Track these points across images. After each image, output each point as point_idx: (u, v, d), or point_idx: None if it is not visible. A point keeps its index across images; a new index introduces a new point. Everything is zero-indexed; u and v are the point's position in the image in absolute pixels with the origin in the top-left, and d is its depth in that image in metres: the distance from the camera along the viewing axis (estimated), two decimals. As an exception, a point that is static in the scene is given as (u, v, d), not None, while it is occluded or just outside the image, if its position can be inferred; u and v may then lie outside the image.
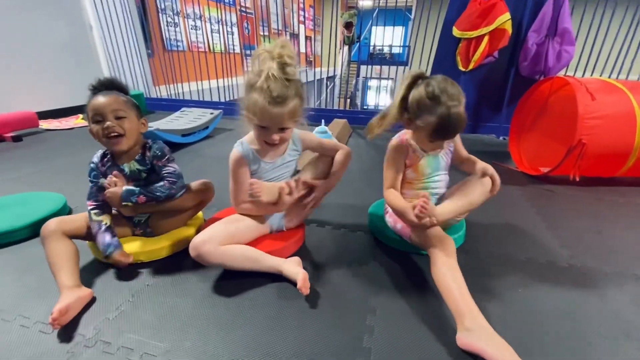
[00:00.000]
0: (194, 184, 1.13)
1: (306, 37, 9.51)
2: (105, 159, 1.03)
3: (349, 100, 4.48)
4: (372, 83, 10.42)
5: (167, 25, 4.95)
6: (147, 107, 3.73)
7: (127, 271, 0.99)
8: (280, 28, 6.97)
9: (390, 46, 10.08)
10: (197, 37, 5.54)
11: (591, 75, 2.73)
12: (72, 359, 0.70)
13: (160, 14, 4.81)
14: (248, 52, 6.63)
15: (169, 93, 4.13)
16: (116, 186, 0.97)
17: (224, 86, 3.93)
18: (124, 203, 0.96)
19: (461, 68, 2.46)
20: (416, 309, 0.85)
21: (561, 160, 1.62)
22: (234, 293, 0.90)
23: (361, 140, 2.69)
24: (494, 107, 2.62)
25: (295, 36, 7.57)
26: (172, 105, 3.70)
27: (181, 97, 4.04)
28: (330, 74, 7.08)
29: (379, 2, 3.64)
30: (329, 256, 1.08)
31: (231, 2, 6.17)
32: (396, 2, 3.38)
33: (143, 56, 4.00)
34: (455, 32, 2.41)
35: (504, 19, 2.21)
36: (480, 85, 2.54)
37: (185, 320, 0.81)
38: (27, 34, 3.05)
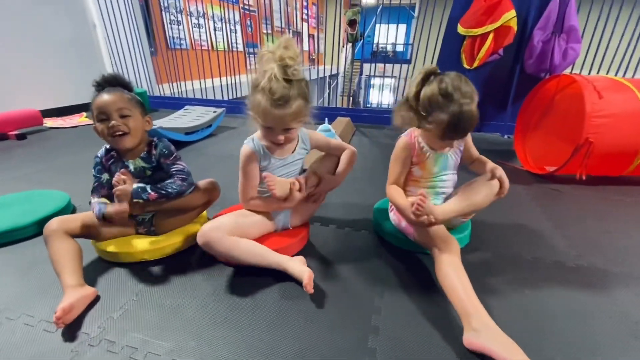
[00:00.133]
0: (202, 183, 1.12)
1: (309, 35, 9.48)
2: (110, 154, 1.03)
3: (351, 98, 4.46)
4: (375, 81, 10.38)
5: (170, 24, 4.95)
6: (151, 105, 3.73)
7: (131, 270, 0.99)
8: (283, 26, 6.95)
9: (394, 44, 10.04)
10: (200, 35, 5.54)
11: (597, 73, 2.69)
12: (76, 357, 0.70)
13: (163, 12, 4.81)
14: (251, 50, 6.62)
15: (172, 91, 4.14)
16: (125, 184, 0.96)
17: (226, 84, 3.93)
18: (135, 200, 0.96)
19: (466, 66, 2.44)
20: (422, 308, 0.84)
21: (567, 159, 1.60)
22: (237, 292, 0.90)
23: (364, 138, 2.68)
24: (499, 106, 2.60)
25: (298, 34, 7.54)
26: (175, 103, 3.70)
27: (184, 95, 4.04)
28: (333, 72, 7.05)
29: (383, 0, 3.62)
30: (333, 255, 1.07)
31: (234, 0, 6.16)
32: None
33: (146, 54, 4.00)
34: (460, 29, 2.39)
35: (510, 16, 2.18)
36: (485, 83, 2.52)
37: (189, 320, 0.80)
38: (30, 32, 3.05)
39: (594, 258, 1.09)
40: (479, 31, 2.29)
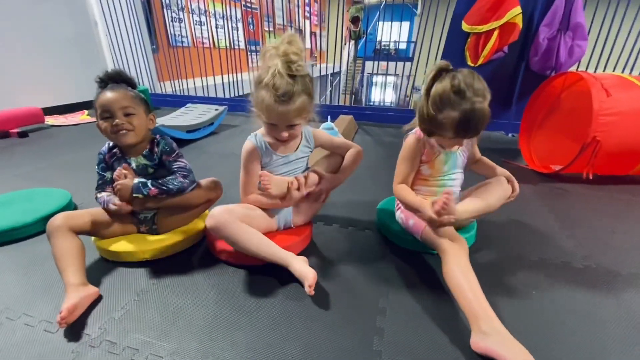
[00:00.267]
0: (204, 181, 1.12)
1: (311, 33, 9.44)
2: (113, 152, 1.03)
3: (353, 96, 4.44)
4: (377, 79, 10.34)
5: (172, 21, 4.93)
6: (152, 103, 3.73)
7: (133, 269, 0.98)
8: (285, 24, 6.92)
9: (396, 42, 9.98)
10: (201, 33, 5.52)
11: (604, 70, 2.66)
12: (77, 359, 0.69)
13: (165, 10, 4.79)
14: (253, 47, 6.60)
15: (173, 89, 4.12)
16: (126, 178, 0.95)
17: (228, 82, 3.91)
18: (135, 195, 0.95)
19: (470, 63, 2.42)
20: (428, 310, 0.83)
21: (574, 158, 1.58)
22: (239, 292, 0.89)
23: (367, 137, 2.66)
24: (503, 104, 2.57)
25: (299, 32, 7.51)
26: (177, 101, 3.69)
27: (186, 93, 4.03)
28: (335, 69, 7.02)
29: (386, -3, 3.59)
30: (336, 255, 1.06)
31: (236, -2, 6.13)
32: (403, -4, 3.32)
33: (148, 52, 3.99)
34: (464, 26, 2.36)
35: (515, 13, 2.16)
36: (489, 81, 2.42)
37: (191, 321, 0.79)
38: (32, 30, 3.04)
39: (601, 259, 1.07)
40: (484, 28, 2.26)
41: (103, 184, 1.03)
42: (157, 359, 0.69)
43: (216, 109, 2.84)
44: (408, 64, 4.12)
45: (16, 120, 2.54)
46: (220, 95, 3.90)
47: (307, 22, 9.01)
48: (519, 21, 2.19)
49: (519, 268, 1.01)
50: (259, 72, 0.88)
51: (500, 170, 1.06)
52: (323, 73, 4.46)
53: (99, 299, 0.86)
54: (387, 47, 8.30)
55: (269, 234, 1.04)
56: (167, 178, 1.00)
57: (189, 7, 5.29)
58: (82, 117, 3.16)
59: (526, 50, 2.38)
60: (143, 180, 0.97)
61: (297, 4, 5.75)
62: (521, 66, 2.44)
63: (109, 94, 0.94)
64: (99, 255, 1.04)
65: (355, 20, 2.75)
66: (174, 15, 4.98)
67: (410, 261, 1.03)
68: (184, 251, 1.06)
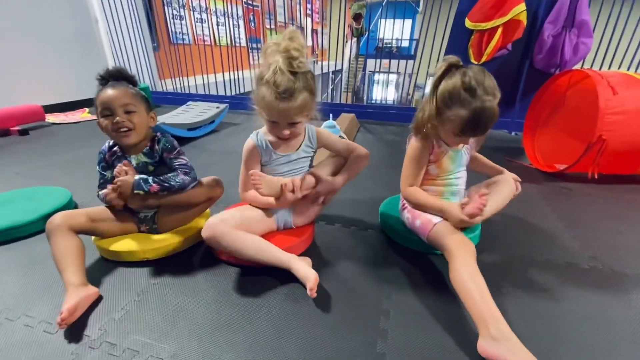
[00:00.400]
0: (205, 179, 1.10)
1: (312, 30, 9.40)
2: (113, 150, 1.02)
3: (354, 94, 4.42)
4: (378, 77, 10.29)
5: (173, 18, 4.91)
6: (153, 100, 3.71)
7: (133, 269, 0.97)
8: (286, 21, 6.88)
9: (399, 40, 9.94)
10: (202, 30, 5.49)
11: (609, 68, 2.64)
12: (76, 360, 0.68)
13: (165, 7, 4.77)
14: (254, 45, 6.57)
15: (174, 87, 4.11)
16: (127, 175, 0.94)
17: (229, 80, 3.89)
18: (135, 191, 0.94)
19: (473, 61, 2.39)
20: (433, 312, 0.82)
21: (579, 157, 1.56)
22: (241, 293, 0.88)
23: (369, 135, 2.64)
24: (507, 102, 2.55)
25: (301, 29, 7.47)
26: (178, 99, 3.67)
27: (187, 91, 4.02)
28: (337, 67, 6.99)
29: (388, -6, 3.56)
30: (339, 255, 1.04)
31: (237, -5, 6.09)
32: (406, -7, 3.29)
33: (149, 49, 3.97)
34: (468, 23, 2.34)
35: (519, 10, 2.13)
36: None
37: (192, 322, 0.78)
38: (32, 27, 3.03)
39: (608, 259, 1.05)
40: (488, 25, 2.24)
41: (104, 183, 1.02)
42: (158, 361, 0.68)
43: (217, 107, 2.82)
44: (410, 62, 4.09)
45: (17, 118, 2.54)
46: (221, 93, 3.88)
47: (309, 19, 8.97)
48: (524, 18, 2.16)
49: (524, 269, 1.00)
50: (260, 69, 0.87)
51: (499, 167, 1.08)
52: (325, 71, 4.44)
53: (99, 299, 0.85)
54: (389, 45, 8.26)
55: (271, 234, 1.03)
56: (169, 175, 0.99)
57: (190, 4, 5.26)
58: (83, 115, 3.15)
59: (530, 47, 2.36)
60: (144, 176, 0.96)
61: (298, 1, 5.72)
62: (525, 64, 2.42)
63: (109, 91, 0.93)
64: (99, 255, 1.03)
65: (357, 17, 2.72)
66: (174, 12, 4.96)
67: (414, 261, 1.02)
68: (185, 251, 1.05)
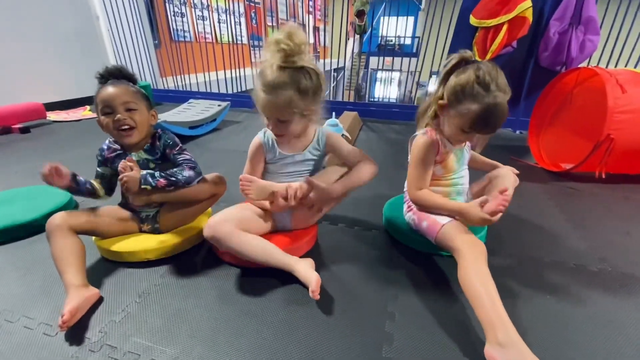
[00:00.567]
0: (209, 176, 1.09)
1: (314, 28, 9.35)
2: (113, 148, 1.01)
3: (356, 92, 4.39)
4: (380, 75, 10.23)
5: (174, 16, 4.88)
6: (154, 98, 3.70)
7: (134, 270, 0.95)
8: (288, 18, 6.85)
9: (402, 37, 9.87)
10: (204, 28, 5.46)
11: (615, 66, 2.60)
12: (76, 364, 0.67)
13: (167, 4, 4.74)
14: (255, 43, 6.54)
15: (176, 84, 4.09)
16: (132, 171, 0.92)
17: (231, 78, 3.87)
18: (143, 186, 0.92)
19: (477, 59, 2.36)
20: (439, 315, 0.80)
21: (587, 156, 1.53)
22: (243, 295, 0.86)
23: (372, 133, 2.62)
24: (511, 100, 2.48)
25: (302, 27, 7.43)
26: (179, 96, 3.66)
27: (188, 89, 4.00)
28: (339, 65, 6.95)
29: (391, -9, 3.52)
30: (342, 256, 1.03)
31: (238, -8, 6.06)
32: (409, -10, 3.26)
33: (150, 47, 3.95)
34: (473, 20, 2.31)
35: (525, 6, 2.10)
36: None
37: (193, 324, 0.77)
38: (33, 25, 3.01)
39: (617, 261, 1.03)
40: (493, 22, 2.21)
41: (100, 175, 1.02)
42: (159, 365, 0.67)
43: (219, 105, 2.80)
44: (412, 59, 4.05)
45: (18, 115, 2.52)
46: (223, 90, 3.86)
47: (310, 16, 8.92)
48: (529, 15, 2.13)
49: (531, 271, 0.98)
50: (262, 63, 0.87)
51: (494, 162, 1.08)
52: (327, 68, 4.40)
53: (99, 300, 0.84)
54: (391, 43, 8.22)
55: (273, 235, 1.01)
56: (174, 169, 0.98)
57: (191, 1, 5.23)
58: (84, 112, 3.14)
59: (536, 45, 2.33)
60: (151, 171, 0.95)
61: (300, -1, 5.68)
62: (530, 61, 2.39)
63: (110, 89, 0.91)
64: (99, 255, 1.01)
65: (360, 14, 2.69)
66: (176, 9, 4.93)
67: (420, 263, 1.00)
68: (187, 251, 1.04)
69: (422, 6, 9.07)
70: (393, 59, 3.60)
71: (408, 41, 10.61)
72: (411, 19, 10.71)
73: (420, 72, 3.34)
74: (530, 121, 2.00)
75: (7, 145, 2.20)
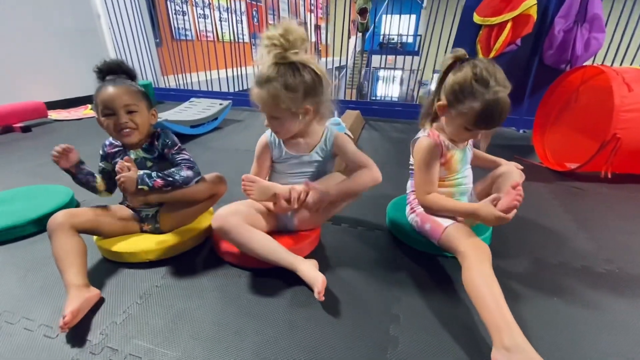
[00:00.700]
0: (208, 176, 1.08)
1: (316, 26, 9.31)
2: (115, 145, 1.01)
3: (359, 90, 4.36)
4: (382, 73, 10.20)
5: (175, 14, 4.87)
6: (156, 97, 3.69)
7: (135, 271, 0.94)
8: (289, 17, 6.82)
9: (404, 35, 9.82)
10: (205, 26, 5.45)
11: (620, 65, 2.57)
12: (77, 367, 0.66)
13: (168, 2, 4.73)
14: (257, 41, 6.52)
15: (177, 83, 4.08)
16: (129, 171, 0.92)
17: (232, 76, 3.86)
18: (140, 187, 0.92)
19: (481, 57, 2.34)
20: (444, 318, 0.79)
21: (592, 155, 1.52)
22: (246, 296, 0.85)
23: (375, 132, 2.60)
24: (515, 99, 2.46)
25: (304, 25, 7.39)
26: (181, 95, 3.65)
27: (189, 87, 3.98)
28: (341, 63, 6.93)
29: (394, -12, 3.50)
30: (346, 257, 1.02)
31: (240, -10, 6.04)
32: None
33: (151, 45, 3.94)
34: (476, 18, 2.29)
35: (530, 4, 2.08)
36: None
37: (195, 326, 0.76)
38: (34, 23, 3.01)
39: (624, 263, 1.02)
40: (497, 20, 2.19)
41: (101, 171, 1.03)
42: (161, 368, 0.66)
43: (220, 104, 2.79)
44: (415, 58, 4.03)
45: (19, 114, 2.52)
46: (224, 89, 3.85)
47: (312, 15, 8.88)
48: (534, 12, 2.11)
49: (537, 272, 0.97)
50: None
51: (497, 159, 1.06)
52: (329, 67, 4.38)
53: (100, 301, 0.83)
54: (393, 41, 8.18)
55: (277, 235, 1.00)
56: (172, 170, 0.97)
57: (193, -1, 5.22)
58: (85, 111, 3.14)
59: (540, 43, 2.31)
60: (148, 171, 0.94)
61: (302, -4, 5.66)
62: (534, 60, 2.37)
63: (110, 90, 0.90)
64: (100, 256, 1.00)
65: (362, 11, 2.67)
66: (177, 8, 4.91)
67: (424, 264, 0.99)
68: (188, 251, 1.03)
69: (424, 4, 9.03)
70: (396, 57, 3.57)
71: (410, 39, 10.57)
72: (413, 17, 10.67)
73: (423, 71, 3.32)
74: (534, 120, 1.98)
75: (9, 144, 2.19)
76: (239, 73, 3.87)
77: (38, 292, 0.87)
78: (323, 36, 9.29)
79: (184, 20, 5.05)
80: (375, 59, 7.01)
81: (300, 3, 7.75)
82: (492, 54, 2.26)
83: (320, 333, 0.74)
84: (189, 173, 0.98)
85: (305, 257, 0.92)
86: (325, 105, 0.92)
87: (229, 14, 5.49)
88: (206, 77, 3.92)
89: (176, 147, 1.00)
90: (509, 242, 1.11)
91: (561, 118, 1.90)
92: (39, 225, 1.12)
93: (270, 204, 0.96)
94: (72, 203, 1.28)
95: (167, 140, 0.99)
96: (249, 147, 2.11)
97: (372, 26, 3.15)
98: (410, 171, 1.06)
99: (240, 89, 3.92)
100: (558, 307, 0.83)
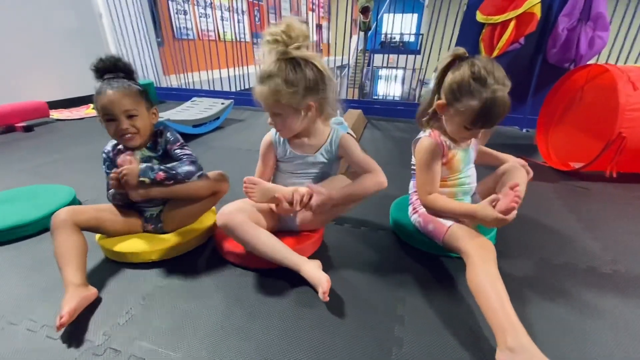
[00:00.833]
0: (211, 173, 1.08)
1: (317, 26, 9.30)
2: (117, 149, 1.00)
3: (360, 89, 4.35)
4: (383, 72, 10.17)
5: (177, 13, 4.86)
6: (158, 96, 3.68)
7: (138, 271, 0.94)
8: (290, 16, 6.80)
9: (402, 34, 9.79)
10: (207, 26, 5.45)
11: (625, 63, 2.55)
12: (80, 368, 0.66)
13: (169, 2, 4.72)
14: (258, 40, 6.51)
15: (179, 82, 4.08)
16: (131, 164, 0.91)
17: (234, 75, 3.85)
18: (141, 179, 0.91)
19: (481, 55, 2.33)
20: (449, 319, 0.78)
21: (597, 155, 1.50)
22: (249, 297, 0.85)
23: (377, 131, 2.59)
24: (518, 98, 2.48)
25: (305, 24, 7.38)
26: (182, 94, 3.64)
27: (191, 87, 3.98)
28: (342, 62, 6.91)
29: (396, -13, 3.48)
30: (350, 258, 1.01)
31: (241, -11, 6.03)
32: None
33: (153, 45, 3.94)
34: (479, 16, 2.27)
35: (534, 2, 2.06)
36: None
37: (199, 327, 0.75)
38: (36, 23, 3.01)
39: (630, 263, 1.01)
40: (500, 18, 2.17)
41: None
42: (164, 370, 0.65)
43: (222, 103, 2.79)
44: (417, 57, 4.01)
45: (21, 114, 2.52)
46: (226, 88, 3.84)
47: (313, 14, 8.87)
48: (538, 11, 2.09)
49: (542, 272, 0.96)
50: None
51: (503, 155, 1.05)
52: (330, 66, 4.37)
53: (99, 300, 0.82)
54: (395, 41, 8.16)
55: (280, 234, 1.00)
56: (174, 163, 0.97)
57: (194, -2, 5.21)
58: (87, 111, 3.14)
59: (544, 41, 2.28)
60: (150, 164, 0.94)
61: (303, -5, 5.65)
62: (538, 58, 2.34)
63: (109, 94, 0.89)
64: (103, 256, 1.00)
65: (365, 10, 2.66)
66: (179, 7, 4.91)
67: (428, 264, 0.98)
68: (191, 252, 1.02)
69: (427, 2, 8.99)
70: (398, 56, 3.56)
71: (412, 38, 10.54)
72: (415, 15, 10.63)
73: (425, 70, 3.31)
74: (538, 119, 1.97)
75: (10, 144, 2.19)
76: (241, 72, 3.87)
77: (41, 292, 0.86)
78: (324, 35, 9.27)
79: (185, 19, 5.05)
80: (377, 58, 6.99)
81: (302, 2, 7.74)
82: (495, 53, 2.24)
83: (324, 334, 0.74)
84: (192, 168, 0.98)
85: (309, 258, 0.91)
86: (329, 104, 0.91)
87: (230, 14, 5.49)
88: (208, 76, 3.92)
89: (179, 143, 1.00)
90: (513, 243, 1.10)
91: (565, 117, 1.89)
92: (42, 225, 1.11)
93: (273, 205, 0.95)
94: (75, 203, 1.27)
95: (170, 137, 1.00)
96: (250, 147, 2.10)
97: (375, 25, 3.14)
98: (412, 171, 1.05)
99: (242, 88, 3.92)
100: (563, 307, 0.82)
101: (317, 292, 0.81)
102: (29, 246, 1.06)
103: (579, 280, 0.93)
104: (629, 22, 2.35)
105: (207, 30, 5.47)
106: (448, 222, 0.91)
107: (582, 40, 2.12)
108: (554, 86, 1.86)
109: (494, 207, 0.81)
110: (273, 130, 0.98)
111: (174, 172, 0.95)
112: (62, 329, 0.71)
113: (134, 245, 0.96)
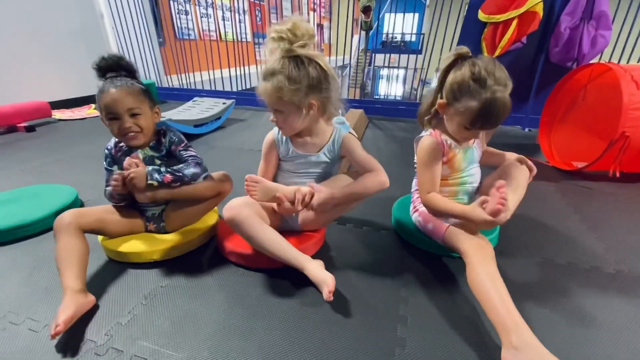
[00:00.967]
0: (215, 174, 1.08)
1: (318, 25, 9.29)
2: (120, 146, 1.00)
3: (362, 89, 4.34)
4: (384, 72, 10.15)
5: (178, 13, 4.87)
6: (159, 96, 3.69)
7: (140, 271, 0.94)
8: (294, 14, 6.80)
9: (407, 34, 9.77)
10: (208, 26, 5.45)
11: (627, 63, 2.54)
12: (82, 368, 0.66)
13: (171, 2, 4.73)
14: (260, 40, 6.52)
15: (180, 82, 4.08)
16: (137, 167, 0.91)
17: (236, 75, 3.85)
18: (149, 182, 0.91)
19: (484, 55, 2.32)
20: (452, 319, 0.78)
21: (601, 154, 1.50)
22: (252, 297, 0.84)
23: (378, 131, 2.59)
24: (520, 97, 2.47)
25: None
26: (184, 94, 3.65)
27: (193, 87, 3.99)
28: (344, 62, 6.90)
29: (397, -14, 3.47)
30: (352, 257, 1.01)
31: (242, -11, 6.02)
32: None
33: (154, 45, 3.94)
34: (481, 15, 2.27)
35: (536, 1, 2.06)
36: None
37: (201, 327, 0.75)
38: (38, 23, 3.02)
39: (634, 263, 1.00)
40: (502, 17, 2.17)
41: (111, 179, 1.00)
42: (166, 370, 0.65)
43: (224, 103, 2.79)
44: (417, 56, 4.00)
45: (23, 114, 2.53)
46: (227, 88, 3.85)
47: (314, 13, 8.87)
48: (540, 10, 2.08)
49: (545, 273, 0.95)
50: None
51: (508, 154, 1.04)
52: (332, 65, 4.36)
53: (95, 308, 0.80)
54: (396, 40, 8.14)
55: (282, 233, 0.99)
56: (180, 165, 0.97)
57: (196, -1, 5.22)
58: (89, 111, 3.14)
59: (546, 40, 2.28)
60: (156, 167, 0.94)
61: (304, -5, 5.64)
62: (540, 57, 2.34)
63: (113, 93, 0.89)
64: (105, 256, 1.00)
65: (366, 10, 2.65)
66: (180, 7, 4.92)
67: (430, 264, 0.98)
68: (193, 251, 1.02)
69: (428, 2, 8.98)
70: (399, 56, 3.55)
71: (413, 38, 10.51)
72: (416, 15, 10.61)
73: (427, 70, 3.30)
74: (541, 118, 1.96)
75: (13, 144, 2.20)
76: (242, 72, 3.87)
77: (43, 292, 0.86)
78: (326, 35, 9.27)
79: (186, 19, 5.05)
80: (379, 58, 6.98)
81: (303, 2, 7.74)
82: (497, 52, 2.24)
83: (326, 334, 0.73)
84: (197, 169, 0.98)
85: (311, 257, 0.91)
86: (331, 103, 0.91)
87: (232, 14, 5.49)
88: (209, 76, 3.93)
89: (183, 144, 1.00)
90: (516, 242, 1.09)
91: (568, 116, 1.88)
92: (44, 225, 1.12)
93: (275, 204, 0.95)
94: (77, 203, 1.28)
95: (174, 138, 1.00)
96: (252, 147, 2.10)
97: (376, 24, 3.13)
98: (415, 170, 1.05)
99: (243, 88, 3.92)
100: (566, 307, 0.82)
101: (319, 292, 0.81)
102: (31, 246, 1.06)
103: (583, 280, 0.92)
104: (632, 21, 2.33)
105: (209, 30, 5.48)
106: (447, 222, 0.91)
107: (584, 39, 2.12)
108: (556, 85, 1.85)
109: (484, 209, 0.80)
110: (276, 129, 0.97)
111: (180, 174, 0.95)
112: (56, 337, 0.68)
113: (136, 245, 0.96)
